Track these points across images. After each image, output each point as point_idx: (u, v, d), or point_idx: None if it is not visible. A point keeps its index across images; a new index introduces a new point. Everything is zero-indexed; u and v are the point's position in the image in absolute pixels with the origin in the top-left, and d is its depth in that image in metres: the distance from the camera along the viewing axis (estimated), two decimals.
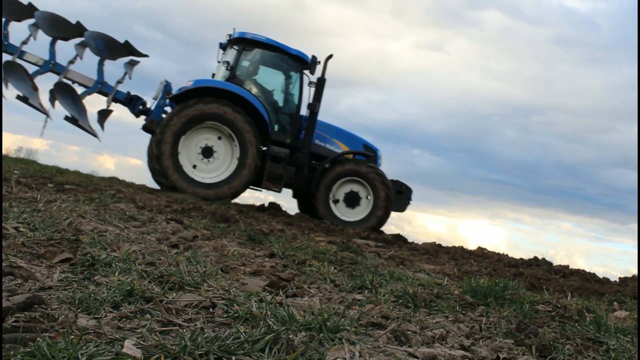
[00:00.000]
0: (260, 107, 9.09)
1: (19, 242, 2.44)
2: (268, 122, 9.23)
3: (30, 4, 8.67)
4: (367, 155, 10.17)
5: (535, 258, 6.45)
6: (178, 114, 8.52)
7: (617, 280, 5.74)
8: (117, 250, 2.67)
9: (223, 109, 8.62)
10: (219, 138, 8.93)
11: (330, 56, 9.49)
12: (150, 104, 9.59)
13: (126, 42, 9.05)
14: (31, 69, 8.93)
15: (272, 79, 9.79)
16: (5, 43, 8.77)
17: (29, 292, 1.73)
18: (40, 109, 8.87)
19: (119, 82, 9.33)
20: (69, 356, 1.26)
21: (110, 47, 9.01)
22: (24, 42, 8.90)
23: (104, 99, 9.45)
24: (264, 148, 9.23)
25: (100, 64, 9.17)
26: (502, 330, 2.27)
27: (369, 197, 9.67)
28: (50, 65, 8.94)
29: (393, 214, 10.05)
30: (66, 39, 9.01)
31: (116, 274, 2.18)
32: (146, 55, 9.30)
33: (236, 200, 9.33)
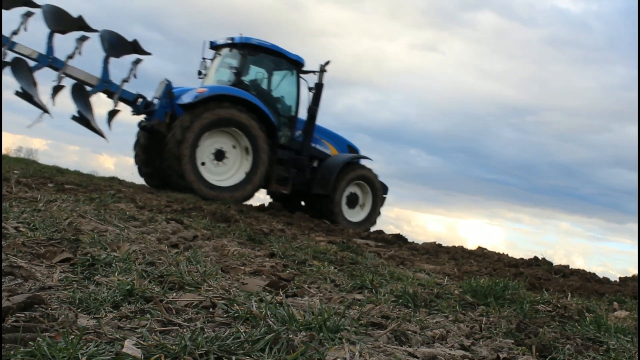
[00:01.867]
0: (270, 114, 9.39)
1: (19, 242, 2.44)
2: (277, 128, 9.55)
3: None
4: (367, 157, 10.67)
5: (535, 258, 6.45)
6: (199, 117, 8.71)
7: (617, 280, 5.74)
8: (117, 250, 2.67)
9: (240, 115, 8.92)
10: (233, 145, 9.21)
11: (327, 62, 9.86)
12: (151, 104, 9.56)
13: (135, 40, 8.88)
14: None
15: (274, 83, 10.05)
16: None
17: (29, 292, 1.73)
18: (41, 106, 8.70)
19: (124, 80, 9.14)
20: (69, 356, 1.26)
21: (119, 45, 8.83)
22: (15, 33, 8.48)
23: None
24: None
25: (106, 62, 8.95)
26: (502, 330, 2.27)
27: (367, 199, 10.33)
28: (48, 60, 8.65)
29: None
30: (63, 32, 8.71)
31: (116, 273, 2.18)
32: (150, 54, 9.18)
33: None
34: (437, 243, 7.45)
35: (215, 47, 9.95)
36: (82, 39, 8.81)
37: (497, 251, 7.30)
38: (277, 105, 9.89)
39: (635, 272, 6.16)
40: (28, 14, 8.53)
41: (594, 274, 5.66)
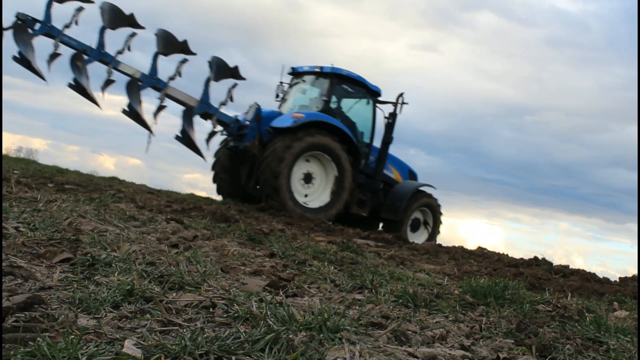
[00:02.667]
0: (357, 143, 9.86)
1: (19, 242, 2.44)
2: (361, 156, 10.05)
3: (132, 15, 8.50)
4: (431, 186, 11.18)
5: (535, 258, 6.45)
6: (300, 140, 9.17)
7: (617, 280, 5.75)
8: (117, 250, 2.67)
9: (333, 144, 9.44)
10: (320, 167, 9.67)
11: (402, 94, 10.50)
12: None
13: (235, 67, 9.21)
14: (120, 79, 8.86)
15: (355, 111, 10.54)
16: (102, 51, 8.66)
17: (29, 292, 1.73)
18: (146, 124, 8.84)
19: (222, 103, 9.43)
20: (69, 356, 1.26)
21: (223, 70, 9.19)
22: (119, 52, 8.73)
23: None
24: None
25: (207, 85, 9.26)
26: (502, 330, 2.27)
27: (428, 224, 10.99)
28: (152, 80, 8.89)
29: None
30: (167, 54, 8.99)
31: (116, 273, 2.18)
32: (245, 79, 9.45)
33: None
34: (437, 243, 7.45)
35: (296, 73, 10.37)
36: (183, 61, 9.06)
37: (497, 251, 7.31)
38: (356, 132, 10.37)
39: (635, 272, 6.17)
40: (132, 35, 8.79)
41: (594, 274, 5.66)
